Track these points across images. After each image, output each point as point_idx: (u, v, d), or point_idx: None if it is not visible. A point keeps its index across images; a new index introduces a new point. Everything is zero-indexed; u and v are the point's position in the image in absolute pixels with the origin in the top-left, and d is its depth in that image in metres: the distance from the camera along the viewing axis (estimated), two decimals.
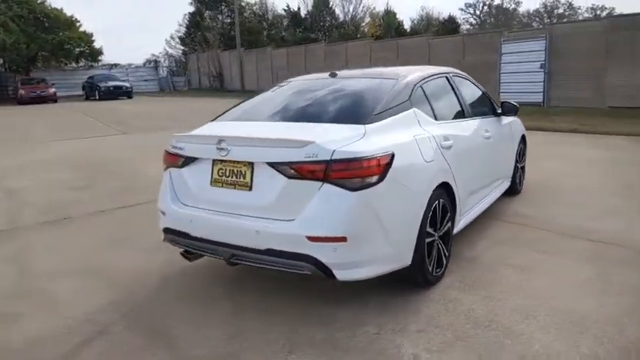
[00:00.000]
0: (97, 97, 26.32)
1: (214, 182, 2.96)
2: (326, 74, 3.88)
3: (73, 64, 35.63)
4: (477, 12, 55.71)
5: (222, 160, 2.92)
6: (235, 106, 3.86)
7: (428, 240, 3.05)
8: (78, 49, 34.46)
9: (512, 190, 5.22)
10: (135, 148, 10.18)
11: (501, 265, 3.53)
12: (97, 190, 6.60)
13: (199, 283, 3.48)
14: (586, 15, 48.34)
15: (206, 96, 25.90)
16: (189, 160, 3.08)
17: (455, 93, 4.05)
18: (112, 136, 12.24)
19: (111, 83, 27.11)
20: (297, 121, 3.17)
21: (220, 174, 2.93)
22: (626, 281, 3.22)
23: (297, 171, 2.62)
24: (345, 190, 2.57)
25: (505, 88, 15.17)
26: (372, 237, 2.67)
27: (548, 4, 54.20)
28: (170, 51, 44.10)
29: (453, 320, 2.80)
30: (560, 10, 53.59)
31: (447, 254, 3.34)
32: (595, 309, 2.86)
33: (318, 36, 39.11)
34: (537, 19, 54.42)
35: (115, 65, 36.66)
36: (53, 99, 25.56)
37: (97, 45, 35.69)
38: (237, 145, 2.82)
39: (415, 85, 3.47)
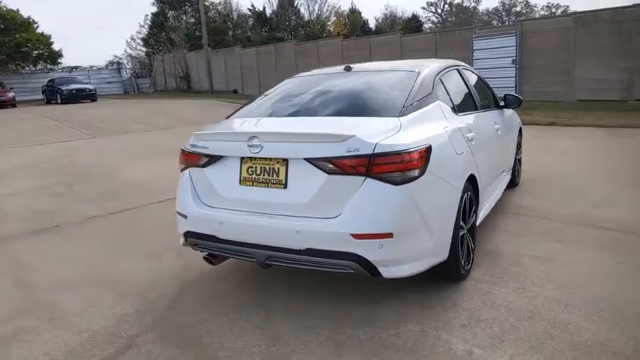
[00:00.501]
0: (59, 101, 25.24)
1: (244, 181, 2.82)
2: (340, 68, 3.78)
3: (31, 67, 34.14)
4: (439, 10, 56.77)
5: (252, 158, 2.78)
6: (248, 103, 3.71)
7: (460, 233, 3.01)
8: (36, 52, 33.05)
9: (511, 182, 5.27)
10: (108, 152, 9.80)
11: (523, 257, 3.53)
12: (78, 196, 6.30)
13: (219, 289, 3.33)
14: (542, 12, 50.16)
15: (173, 97, 25.26)
16: (213, 159, 2.93)
17: (466, 85, 4.03)
18: (82, 140, 11.74)
19: (73, 86, 26.02)
20: (327, 115, 3.06)
21: (250, 172, 2.79)
22: None
23: (338, 166, 2.52)
24: (390, 184, 2.49)
25: None
26: (416, 232, 2.60)
27: (506, 2, 55.73)
28: (131, 52, 42.94)
29: (494, 314, 2.76)
30: (518, 8, 55.29)
31: (473, 248, 3.32)
32: (631, 296, 2.89)
33: (284, 35, 38.88)
34: (496, 17, 55.86)
35: (76, 68, 35.32)
36: (12, 103, 24.34)
37: (55, 47, 34.37)
38: (271, 142, 2.69)
39: (435, 77, 3.42)
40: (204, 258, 3.20)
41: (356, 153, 2.49)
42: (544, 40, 14.00)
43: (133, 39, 48.82)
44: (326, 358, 2.45)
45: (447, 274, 3.04)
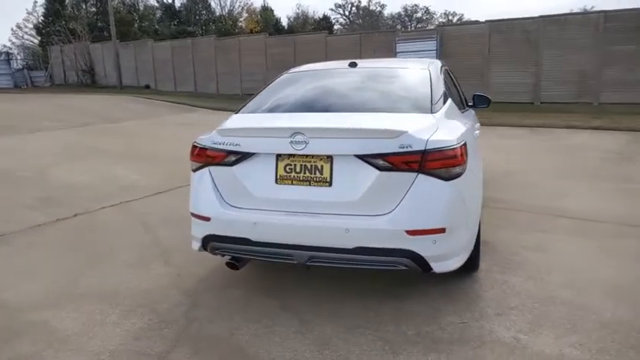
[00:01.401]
0: None
1: (281, 180, 2.68)
2: (344, 63, 3.72)
3: None
4: (346, 13, 58.33)
5: (290, 155, 2.65)
6: (250, 100, 3.50)
7: None
8: None
9: None
10: (24, 153, 8.74)
11: (517, 248, 3.75)
12: (12, 203, 5.57)
13: (234, 295, 3.14)
14: (441, 20, 53.71)
15: (78, 92, 23.28)
16: (244, 157, 2.75)
17: (454, 84, 4.20)
18: None
19: None
20: (362, 111, 2.99)
21: (288, 170, 2.67)
22: (630, 250, 3.65)
23: (391, 163, 2.49)
24: (441, 180, 2.52)
25: None
26: (461, 226, 2.66)
27: (408, 8, 58.74)
28: (17, 41, 38.80)
29: (519, 301, 2.91)
30: (419, 14, 58.59)
31: (479, 240, 3.47)
32: (635, 278, 3.19)
33: (195, 30, 37.56)
34: (400, 21, 58.65)
35: None
36: None
37: None
38: (317, 138, 2.58)
39: (441, 75, 3.52)
40: (227, 263, 2.99)
41: (409, 149, 2.48)
42: (462, 45, 14.99)
43: (19, 27, 44.22)
44: (383, 357, 2.43)
45: (469, 266, 3.14)
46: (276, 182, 2.69)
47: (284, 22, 46.17)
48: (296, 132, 2.59)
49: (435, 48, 15.39)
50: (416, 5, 60.96)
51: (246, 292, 3.16)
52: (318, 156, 2.61)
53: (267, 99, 3.39)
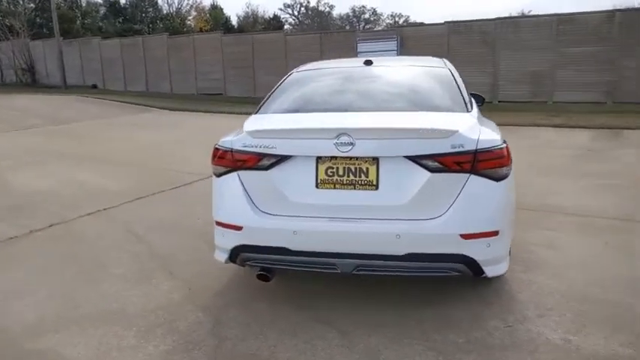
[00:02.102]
0: None
1: (322, 184, 2.52)
2: (358, 62, 3.57)
3: None
4: (295, 12, 58.21)
5: (332, 157, 2.49)
6: (266, 99, 3.27)
7: None
8: None
9: None
10: None
11: (530, 245, 3.75)
12: None
13: (259, 309, 2.93)
14: (388, 21, 54.83)
15: (17, 92, 21.68)
16: (281, 160, 2.55)
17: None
18: None
19: None
20: (398, 110, 2.86)
21: (330, 173, 2.50)
22: (634, 245, 3.74)
23: (443, 163, 2.39)
24: (492, 180, 2.44)
25: None
26: (510, 228, 2.60)
27: (357, 9, 59.40)
28: None
29: (555, 301, 2.89)
30: (367, 16, 59.41)
31: None
32: None
33: (141, 28, 36.14)
34: (348, 22, 59.19)
35: None
36: None
37: None
38: (363, 139, 2.43)
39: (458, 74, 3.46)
40: (259, 275, 2.77)
41: (461, 149, 2.39)
42: (422, 45, 15.21)
43: None
44: None
45: None
46: (317, 187, 2.53)
47: (234, 21, 45.52)
48: (342, 133, 2.43)
49: (395, 48, 15.55)
50: (363, 6, 61.90)
51: (271, 305, 2.96)
52: (363, 158, 2.47)
53: (288, 98, 3.19)
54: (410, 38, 15.56)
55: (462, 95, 2.96)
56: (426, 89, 3.17)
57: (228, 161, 2.68)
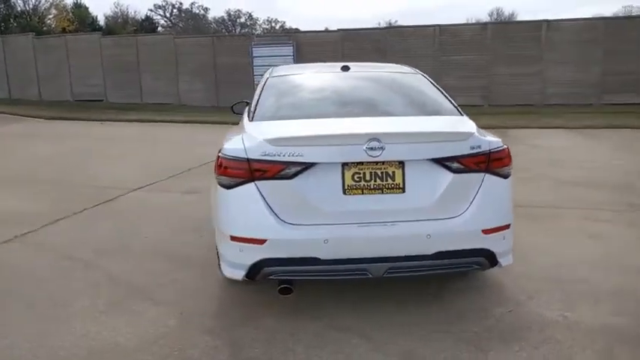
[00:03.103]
0: None
1: (350, 190, 2.52)
2: (337, 67, 3.60)
3: None
4: (167, 14, 55.80)
5: (358, 163, 2.49)
6: (257, 106, 3.10)
7: None
8: None
9: None
10: None
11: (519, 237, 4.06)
12: None
13: (270, 323, 2.80)
14: (264, 26, 55.34)
15: None
16: (306, 168, 2.48)
17: None
18: None
19: None
20: (406, 114, 2.97)
21: (357, 179, 2.51)
22: (581, 230, 4.29)
23: (464, 164, 2.55)
24: (502, 178, 2.64)
25: None
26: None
27: (232, 13, 58.82)
28: None
29: (537, 284, 3.19)
30: (242, 20, 59.18)
31: None
32: (601, 252, 3.71)
33: None
34: (224, 26, 58.35)
35: None
36: None
37: None
38: (393, 143, 2.49)
39: None
40: (282, 289, 2.63)
41: (479, 150, 2.57)
42: (317, 51, 15.62)
43: None
44: (476, 355, 2.45)
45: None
46: (344, 193, 2.52)
47: (101, 22, 42.15)
48: (372, 138, 2.46)
49: (292, 53, 15.74)
50: (239, 10, 61.48)
51: (280, 319, 2.84)
52: (389, 162, 2.51)
53: (287, 104, 3.11)
54: (305, 44, 15.87)
55: (450, 100, 3.15)
56: (420, 94, 3.32)
57: (244, 172, 2.53)
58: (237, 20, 59.22)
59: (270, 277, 2.58)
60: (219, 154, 2.63)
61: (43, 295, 3.23)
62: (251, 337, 2.67)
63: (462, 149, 2.55)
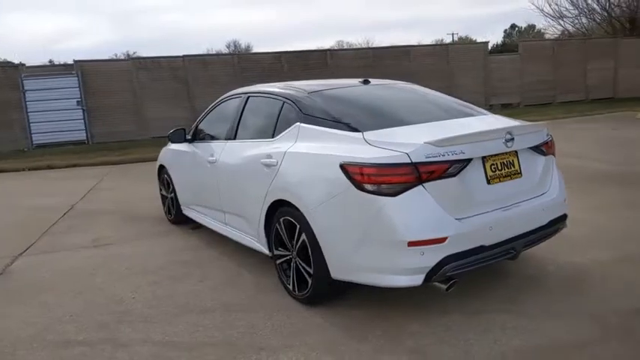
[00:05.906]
0: None
1: (492, 179, 2.91)
2: (355, 81, 3.98)
3: None
4: None
5: (492, 155, 2.90)
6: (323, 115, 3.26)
7: None
8: None
9: None
10: None
11: None
12: None
13: (325, 339, 2.53)
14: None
15: None
16: (466, 164, 2.77)
17: None
18: None
19: None
20: (466, 116, 3.44)
21: (493, 169, 2.92)
22: None
23: (546, 150, 3.26)
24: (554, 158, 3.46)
25: (37, 129, 13.67)
26: None
27: None
28: None
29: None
30: None
31: None
32: None
33: None
34: None
35: None
36: None
37: None
38: (518, 135, 2.97)
39: None
40: (451, 285, 2.74)
41: (549, 138, 3.35)
42: (108, 81, 14.15)
43: None
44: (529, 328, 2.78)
45: None
46: (488, 182, 2.89)
47: None
48: (508, 132, 2.93)
49: (77, 85, 13.85)
50: None
51: (327, 334, 2.59)
52: (509, 152, 2.98)
53: (370, 115, 3.30)
54: (92, 73, 14.20)
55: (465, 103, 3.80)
56: (448, 100, 3.82)
57: (410, 176, 2.64)
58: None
59: (452, 273, 2.68)
60: (366, 165, 2.66)
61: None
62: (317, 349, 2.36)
63: (544, 137, 3.26)
